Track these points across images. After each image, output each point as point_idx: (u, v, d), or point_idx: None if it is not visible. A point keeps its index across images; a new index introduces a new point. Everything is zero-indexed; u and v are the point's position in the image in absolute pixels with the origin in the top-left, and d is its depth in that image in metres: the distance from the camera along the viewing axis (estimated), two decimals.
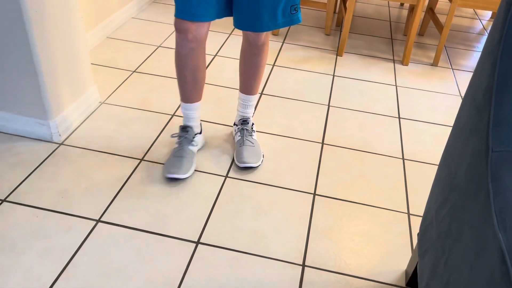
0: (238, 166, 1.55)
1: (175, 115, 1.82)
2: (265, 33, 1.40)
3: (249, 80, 1.53)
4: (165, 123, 1.77)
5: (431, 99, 2.12)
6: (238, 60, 2.23)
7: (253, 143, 1.59)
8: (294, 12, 1.34)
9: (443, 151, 1.19)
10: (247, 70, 1.52)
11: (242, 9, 1.30)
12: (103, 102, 1.86)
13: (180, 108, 1.83)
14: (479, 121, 0.87)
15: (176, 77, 1.50)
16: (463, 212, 0.81)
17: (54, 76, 1.54)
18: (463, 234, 0.79)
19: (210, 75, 2.12)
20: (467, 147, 0.91)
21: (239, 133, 1.61)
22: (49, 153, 1.55)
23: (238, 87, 2.04)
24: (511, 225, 0.64)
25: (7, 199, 1.36)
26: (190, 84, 1.45)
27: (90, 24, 2.23)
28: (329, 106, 1.99)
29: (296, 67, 2.29)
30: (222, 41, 2.45)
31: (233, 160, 1.60)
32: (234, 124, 1.67)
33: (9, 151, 1.55)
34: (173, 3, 2.88)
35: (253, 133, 1.62)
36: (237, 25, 1.35)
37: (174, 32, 2.47)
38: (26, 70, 1.47)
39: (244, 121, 1.61)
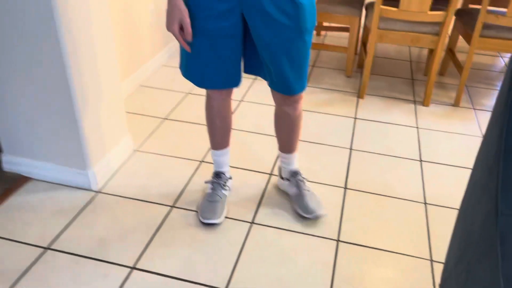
0: (307, 217, 1.59)
1: (203, 161, 1.92)
2: (298, 97, 1.46)
3: (286, 142, 1.59)
4: (194, 169, 1.87)
5: (453, 141, 2.15)
6: (263, 105, 2.32)
7: (309, 190, 1.64)
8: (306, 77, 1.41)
9: (461, 201, 1.23)
10: (283, 135, 1.58)
11: (269, 70, 1.37)
12: (136, 150, 1.98)
13: (210, 155, 1.93)
14: (490, 181, 0.91)
15: (206, 125, 1.60)
16: (477, 272, 0.85)
17: (92, 126, 1.67)
18: None
19: (234, 120, 2.23)
20: (481, 204, 0.95)
21: (295, 187, 1.64)
22: (87, 201, 1.67)
23: (262, 132, 2.13)
24: None
25: (50, 247, 1.46)
26: (220, 132, 1.56)
27: (125, 73, 2.39)
28: (351, 149, 2.06)
29: (318, 110, 2.37)
30: (247, 86, 2.57)
31: (258, 205, 1.68)
32: (282, 178, 1.70)
33: (51, 199, 1.67)
34: None
35: (305, 182, 1.67)
36: (271, 85, 1.42)
37: None
38: (66, 121, 1.61)
39: (294, 174, 1.65)
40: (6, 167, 1.80)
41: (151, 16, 2.59)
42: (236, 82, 1.42)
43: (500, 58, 3.16)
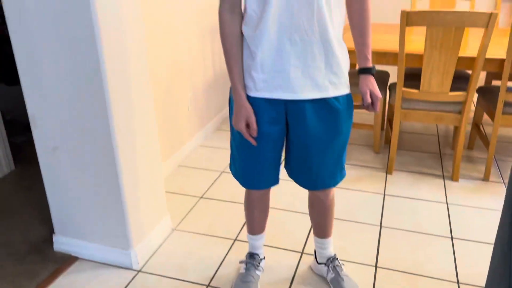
0: None
1: (237, 240, 2.01)
2: (331, 190, 1.57)
3: (321, 227, 1.67)
4: (229, 248, 1.96)
5: (484, 217, 2.16)
6: (294, 183, 2.45)
7: (347, 276, 1.68)
8: (344, 167, 1.53)
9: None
10: (317, 220, 1.66)
11: (300, 171, 1.50)
12: (174, 229, 2.10)
13: (245, 234, 2.03)
14: (505, 269, 0.97)
15: (240, 203, 1.72)
16: None
17: (135, 208, 1.82)
18: None
19: None
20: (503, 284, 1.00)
21: (332, 272, 1.67)
22: (129, 281, 1.77)
23: (294, 210, 2.22)
24: None
25: None
26: (257, 220, 1.67)
27: (165, 155, 2.59)
28: (381, 226, 2.10)
29: (347, 187, 2.45)
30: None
31: (290, 284, 1.73)
32: (318, 263, 1.74)
33: (96, 278, 1.79)
34: None
35: (342, 267, 1.70)
36: (300, 184, 1.54)
37: None
38: (112, 203, 1.76)
39: (331, 259, 1.69)
40: (57, 247, 1.95)
41: (190, 102, 2.83)
42: (275, 181, 1.55)
43: None
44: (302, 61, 1.30)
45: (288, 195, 2.36)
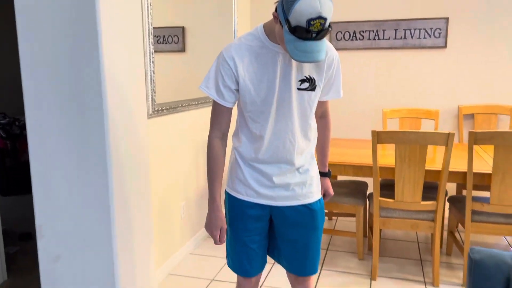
0: None
1: None
2: (310, 280, 1.73)
3: None
4: None
5: None
6: (280, 280, 2.52)
7: None
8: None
9: None
10: None
11: (289, 256, 1.68)
12: None
13: None
14: None
15: None
16: None
17: None
18: None
19: None
20: None
21: None
22: None
23: None
24: None
25: None
26: None
27: (157, 262, 2.68)
28: None
29: None
30: (267, 271, 2.80)
31: None
32: None
33: None
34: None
35: None
36: (287, 269, 1.71)
37: (227, 265, 2.85)
38: None
39: None
40: None
41: (182, 211, 3.00)
42: (263, 267, 1.74)
43: (503, 237, 3.37)
44: (284, 181, 1.59)
45: None
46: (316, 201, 1.65)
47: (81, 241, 1.82)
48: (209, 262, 2.97)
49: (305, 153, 1.60)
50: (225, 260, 2.98)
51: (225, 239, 1.62)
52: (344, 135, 3.90)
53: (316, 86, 1.51)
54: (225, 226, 1.59)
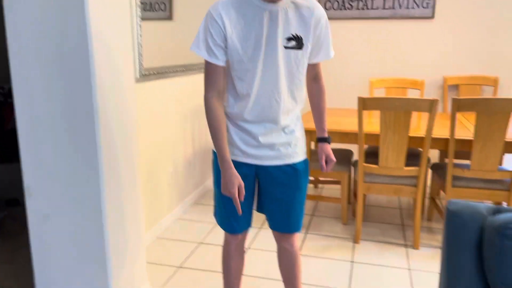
0: None
1: None
2: (294, 236, 1.78)
3: (290, 281, 1.84)
4: None
5: None
6: (267, 252, 2.59)
7: None
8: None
9: None
10: (286, 273, 1.83)
11: (273, 213, 1.73)
12: None
13: None
14: None
15: (217, 272, 1.86)
16: None
17: (118, 275, 1.93)
18: None
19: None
20: None
21: None
22: None
23: (267, 277, 2.35)
24: None
25: None
26: (233, 274, 1.82)
27: (145, 226, 2.72)
28: None
29: (318, 255, 2.61)
30: (254, 235, 2.87)
31: None
32: None
33: None
34: (212, 204, 3.42)
35: None
36: (271, 226, 1.77)
37: (215, 230, 2.92)
38: (98, 271, 1.87)
39: None
40: None
41: (170, 177, 3.03)
42: (250, 223, 1.78)
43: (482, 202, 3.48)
44: (270, 140, 1.62)
45: (262, 263, 2.50)
46: (301, 162, 1.69)
47: (70, 200, 1.84)
48: (197, 226, 3.02)
49: (291, 114, 1.63)
50: (212, 225, 3.04)
51: (243, 195, 1.55)
52: (331, 105, 3.93)
53: (303, 45, 1.52)
54: (242, 182, 1.54)
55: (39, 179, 1.86)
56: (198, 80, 3.37)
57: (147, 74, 2.60)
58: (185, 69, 3.10)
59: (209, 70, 1.54)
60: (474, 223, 1.18)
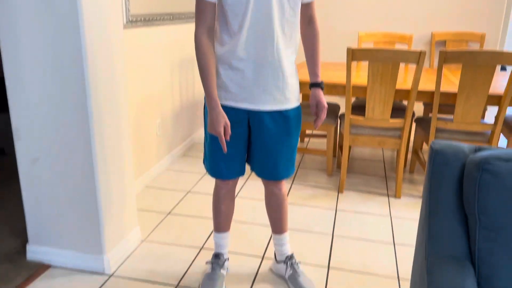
0: None
1: (204, 248, 2.18)
2: (283, 181, 1.83)
3: (277, 222, 1.90)
4: (195, 255, 2.12)
5: None
6: (254, 200, 2.67)
7: (303, 272, 1.90)
8: (293, 165, 1.80)
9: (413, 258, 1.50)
10: (274, 214, 1.89)
11: (261, 164, 1.75)
12: (144, 240, 2.25)
13: (212, 239, 2.20)
14: (422, 236, 1.23)
15: (207, 217, 1.90)
16: None
17: (110, 218, 1.97)
18: None
19: None
20: (419, 255, 1.25)
21: (289, 269, 1.89)
22: (101, 284, 1.90)
23: (254, 222, 2.43)
24: None
25: None
26: (223, 216, 1.87)
27: (134, 175, 2.75)
28: (333, 235, 2.34)
29: (303, 203, 2.70)
30: (241, 184, 2.93)
31: (252, 282, 1.91)
32: (277, 262, 1.95)
33: (70, 282, 1.90)
34: (200, 155, 3.45)
35: (299, 265, 1.92)
36: (261, 175, 1.80)
37: (203, 179, 2.97)
38: (89, 214, 1.91)
39: (289, 257, 1.91)
40: (30, 256, 2.05)
41: (158, 128, 3.03)
42: (242, 173, 1.79)
43: None
44: (263, 81, 1.59)
45: (250, 210, 2.57)
46: (293, 108, 1.68)
47: (59, 144, 1.84)
48: (186, 176, 3.07)
49: (284, 54, 1.58)
50: (200, 175, 3.08)
51: (229, 135, 1.58)
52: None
53: None
54: (228, 121, 1.56)
55: (27, 122, 1.85)
56: (185, 30, 3.31)
57: (134, 21, 2.55)
58: (173, 17, 3.04)
59: (199, 6, 1.52)
60: (456, 161, 1.23)
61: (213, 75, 1.55)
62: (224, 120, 1.55)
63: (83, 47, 1.71)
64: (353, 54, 2.55)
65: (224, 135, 1.56)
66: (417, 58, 2.49)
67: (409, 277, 1.99)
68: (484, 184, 1.11)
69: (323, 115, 1.73)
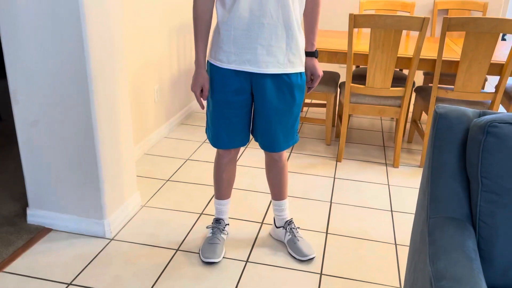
0: (301, 260, 1.85)
1: (203, 213, 2.20)
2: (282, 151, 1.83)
3: (277, 188, 1.90)
4: (195, 220, 2.14)
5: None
6: (254, 168, 2.68)
7: (302, 237, 1.93)
8: (297, 133, 1.79)
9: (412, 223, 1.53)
10: (274, 181, 1.90)
11: (262, 134, 1.74)
12: (143, 206, 2.26)
13: (213, 204, 2.22)
14: (424, 199, 1.24)
15: (213, 180, 1.91)
16: (418, 265, 1.13)
17: (110, 182, 1.97)
18: (418, 282, 1.11)
19: None
20: (420, 218, 1.26)
21: (288, 233, 1.92)
22: (102, 247, 1.91)
23: (254, 189, 2.44)
24: (438, 262, 0.97)
25: (72, 283, 1.69)
26: (225, 184, 1.87)
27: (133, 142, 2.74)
28: (331, 202, 2.36)
29: (302, 172, 2.71)
30: (241, 152, 2.93)
31: (252, 247, 1.94)
32: (277, 227, 1.97)
33: (71, 246, 1.92)
34: (198, 124, 3.44)
35: (298, 229, 1.95)
36: (261, 146, 1.79)
37: (202, 147, 2.96)
38: (90, 178, 1.91)
39: (288, 222, 1.94)
40: (31, 220, 2.05)
41: (156, 95, 3.00)
42: (244, 143, 1.77)
43: None
44: (267, 41, 1.55)
45: (249, 178, 2.58)
46: (297, 74, 1.64)
47: (58, 107, 1.82)
48: (184, 144, 3.06)
49: (288, 11, 1.52)
50: (199, 143, 3.08)
51: (206, 98, 1.66)
52: (321, 26, 3.87)
53: None
54: (207, 85, 1.61)
55: (25, 85, 1.82)
56: None
57: None
58: None
59: None
60: (460, 124, 1.23)
61: (204, 38, 1.59)
62: (203, 81, 1.63)
63: (81, 10, 1.66)
64: (355, 20, 2.51)
65: (202, 96, 1.65)
66: (421, 24, 2.45)
67: (406, 243, 2.03)
68: (488, 146, 1.11)
69: (316, 84, 1.77)
